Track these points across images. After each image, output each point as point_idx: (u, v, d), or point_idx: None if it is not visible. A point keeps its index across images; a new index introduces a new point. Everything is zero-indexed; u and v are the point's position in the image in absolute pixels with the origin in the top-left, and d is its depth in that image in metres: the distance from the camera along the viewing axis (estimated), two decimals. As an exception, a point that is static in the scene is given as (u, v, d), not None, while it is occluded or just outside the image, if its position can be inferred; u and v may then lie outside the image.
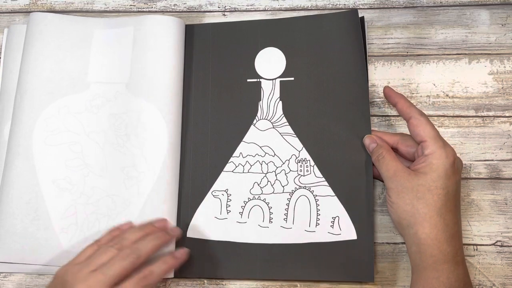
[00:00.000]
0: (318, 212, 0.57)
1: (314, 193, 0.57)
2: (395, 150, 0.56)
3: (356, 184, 0.57)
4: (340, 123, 0.58)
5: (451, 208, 0.50)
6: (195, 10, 0.66)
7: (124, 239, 0.52)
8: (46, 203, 0.58)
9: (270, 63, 0.61)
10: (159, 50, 0.60)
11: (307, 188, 0.58)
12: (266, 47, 0.62)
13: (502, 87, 0.61)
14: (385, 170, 0.52)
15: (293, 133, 0.59)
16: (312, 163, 0.58)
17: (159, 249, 0.53)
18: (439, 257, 0.48)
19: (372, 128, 0.60)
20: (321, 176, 0.58)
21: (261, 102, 0.60)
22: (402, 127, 0.60)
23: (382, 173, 0.53)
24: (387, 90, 0.57)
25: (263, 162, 0.59)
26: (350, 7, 0.64)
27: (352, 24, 0.60)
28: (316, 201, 0.57)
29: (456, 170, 0.51)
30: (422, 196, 0.49)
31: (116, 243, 0.52)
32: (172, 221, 0.57)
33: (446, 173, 0.50)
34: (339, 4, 0.64)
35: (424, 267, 0.49)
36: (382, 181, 0.56)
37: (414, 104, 0.60)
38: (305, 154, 0.59)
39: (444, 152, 0.50)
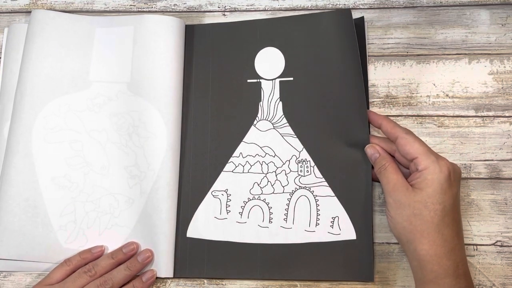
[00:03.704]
0: (318, 212, 0.57)
1: (314, 193, 0.57)
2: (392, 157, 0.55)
3: (356, 185, 0.57)
4: (339, 123, 0.58)
5: (449, 222, 0.49)
6: (195, 10, 0.66)
7: (97, 266, 0.55)
8: (44, 201, 0.58)
9: (270, 63, 0.61)
10: (159, 51, 0.60)
11: (307, 188, 0.58)
12: (265, 47, 0.62)
13: (502, 87, 0.61)
14: (386, 182, 0.52)
15: (294, 134, 0.59)
16: (312, 163, 0.58)
17: (130, 278, 0.55)
18: (440, 272, 0.48)
19: (372, 130, 0.60)
20: (321, 176, 0.58)
21: (261, 102, 0.60)
22: (402, 127, 0.60)
23: (383, 185, 0.53)
24: (370, 114, 0.57)
25: (263, 163, 0.59)
26: (350, 7, 0.64)
27: (346, 23, 0.59)
28: (316, 201, 0.57)
29: (453, 182, 0.50)
30: (419, 212, 0.49)
31: (89, 270, 0.54)
32: (172, 221, 0.57)
33: (442, 188, 0.49)
34: (339, 4, 0.64)
35: (425, 281, 0.49)
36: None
37: (414, 104, 0.60)
38: (305, 155, 0.59)
39: (437, 167, 0.50)
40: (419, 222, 0.49)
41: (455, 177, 0.51)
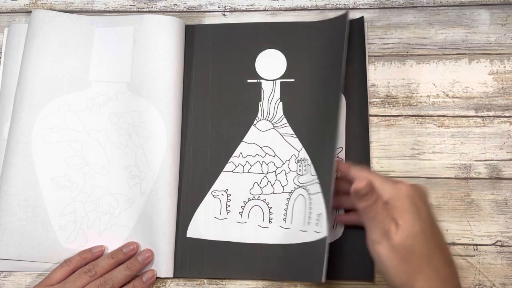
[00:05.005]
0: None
1: (309, 192, 0.57)
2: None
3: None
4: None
5: (435, 250, 0.46)
6: (195, 10, 0.66)
7: (97, 266, 0.54)
8: (44, 201, 0.58)
9: (271, 64, 0.61)
10: (159, 51, 0.60)
11: (304, 187, 0.58)
12: (267, 49, 0.62)
13: (502, 87, 0.61)
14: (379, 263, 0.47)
15: (293, 133, 0.59)
16: (309, 162, 0.58)
17: (130, 278, 0.55)
18: None
19: (373, 131, 0.60)
20: (315, 174, 0.57)
21: (261, 102, 0.60)
22: (402, 127, 0.60)
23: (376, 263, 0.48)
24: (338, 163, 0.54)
25: (263, 162, 0.59)
26: (350, 7, 0.64)
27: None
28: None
29: (419, 205, 0.47)
30: (411, 249, 0.45)
31: (89, 270, 0.54)
32: (172, 221, 0.57)
33: (415, 237, 0.46)
34: (339, 4, 0.64)
35: None
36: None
37: (414, 104, 0.60)
38: (304, 154, 0.59)
39: (412, 219, 0.46)
40: (412, 258, 0.46)
41: (420, 199, 0.48)
